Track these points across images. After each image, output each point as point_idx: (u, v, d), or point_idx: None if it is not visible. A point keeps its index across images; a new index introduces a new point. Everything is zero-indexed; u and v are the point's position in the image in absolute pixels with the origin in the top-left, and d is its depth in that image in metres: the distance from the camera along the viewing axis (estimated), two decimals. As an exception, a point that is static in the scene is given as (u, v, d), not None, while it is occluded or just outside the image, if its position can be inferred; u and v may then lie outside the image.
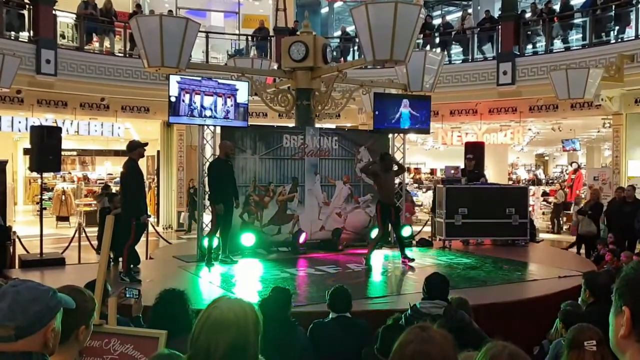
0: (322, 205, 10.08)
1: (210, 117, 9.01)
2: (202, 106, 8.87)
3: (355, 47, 16.26)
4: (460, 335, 2.05)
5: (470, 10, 19.94)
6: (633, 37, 12.86)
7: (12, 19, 13.40)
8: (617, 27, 13.63)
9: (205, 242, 8.48)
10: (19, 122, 14.48)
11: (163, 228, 16.12)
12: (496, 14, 16.78)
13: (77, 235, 10.40)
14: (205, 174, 8.93)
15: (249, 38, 17.59)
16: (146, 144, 7.69)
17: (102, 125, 15.71)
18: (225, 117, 9.12)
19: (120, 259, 7.63)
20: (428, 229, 12.99)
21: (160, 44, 8.40)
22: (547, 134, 18.84)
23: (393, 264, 8.78)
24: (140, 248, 8.10)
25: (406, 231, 9.78)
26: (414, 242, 10.66)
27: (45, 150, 8.69)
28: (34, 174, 16.93)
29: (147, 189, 11.92)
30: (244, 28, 19.16)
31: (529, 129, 17.66)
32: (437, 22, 19.17)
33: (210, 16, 20.16)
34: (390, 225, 9.15)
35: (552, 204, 17.91)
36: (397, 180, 9.89)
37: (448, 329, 1.84)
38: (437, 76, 10.92)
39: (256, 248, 9.35)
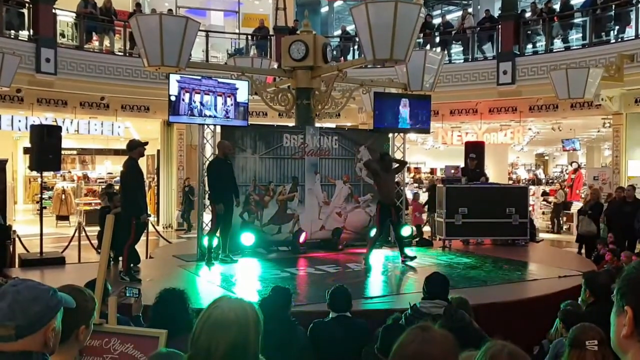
0: (322, 205, 10.07)
1: (210, 116, 9.01)
2: (202, 105, 8.87)
3: (356, 47, 16.25)
4: (460, 335, 2.04)
5: (470, 10, 19.94)
6: (633, 37, 12.86)
7: (12, 18, 13.40)
8: (617, 27, 13.64)
9: (205, 242, 8.48)
10: (19, 121, 14.47)
11: (163, 227, 16.12)
12: (496, 13, 16.78)
13: (77, 234, 10.39)
14: (205, 174, 8.93)
15: (249, 37, 17.58)
16: (146, 143, 7.69)
17: (102, 124, 15.70)
18: (225, 116, 9.11)
19: (121, 258, 7.63)
20: (427, 228, 12.99)
21: (160, 43, 8.39)
22: (547, 134, 18.84)
23: (393, 264, 8.78)
24: (140, 247, 8.09)
25: (406, 231, 9.78)
26: (413, 242, 10.66)
27: (45, 149, 8.69)
28: (34, 173, 16.98)
29: (147, 188, 11.91)
30: (244, 27, 19.15)
31: (529, 129, 17.66)
32: (437, 21, 19.18)
33: (210, 15, 20.16)
34: (391, 225, 9.14)
35: (552, 203, 17.92)
36: (397, 179, 9.90)
37: (448, 328, 1.84)
38: (437, 76, 10.91)
39: (256, 247, 9.35)
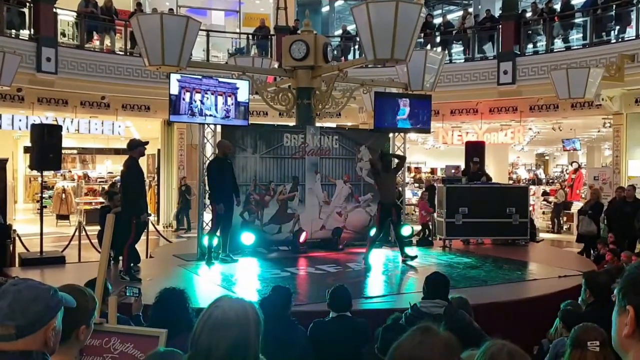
0: (322, 205, 10.07)
1: (211, 115, 9.01)
2: (202, 105, 8.87)
3: (356, 46, 16.25)
4: (460, 335, 2.04)
5: (471, 10, 19.93)
6: (633, 37, 12.86)
7: (13, 17, 13.41)
8: (617, 27, 13.64)
9: (206, 241, 8.48)
10: (20, 120, 14.49)
11: (163, 227, 16.12)
12: (497, 13, 16.77)
13: (77, 233, 10.39)
14: (205, 173, 8.92)
15: (250, 37, 17.58)
16: (147, 143, 7.69)
17: (102, 123, 15.70)
18: (226, 115, 9.11)
19: (121, 258, 7.63)
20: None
21: (161, 42, 8.39)
22: (547, 134, 18.84)
23: (393, 264, 8.78)
24: (140, 247, 8.09)
25: (406, 230, 9.77)
26: (414, 242, 10.66)
27: (46, 148, 8.69)
28: (34, 172, 17.01)
29: (147, 188, 11.91)
30: (245, 27, 19.15)
31: (530, 129, 17.66)
32: (437, 21, 19.17)
33: (211, 15, 20.17)
34: (391, 224, 9.13)
35: (552, 203, 17.92)
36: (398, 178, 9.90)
37: (449, 328, 1.83)
38: (437, 75, 10.90)
39: (256, 247, 9.35)
